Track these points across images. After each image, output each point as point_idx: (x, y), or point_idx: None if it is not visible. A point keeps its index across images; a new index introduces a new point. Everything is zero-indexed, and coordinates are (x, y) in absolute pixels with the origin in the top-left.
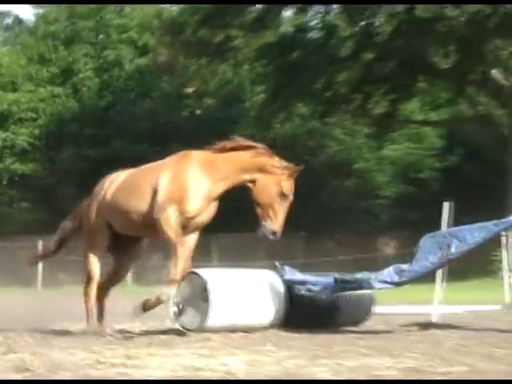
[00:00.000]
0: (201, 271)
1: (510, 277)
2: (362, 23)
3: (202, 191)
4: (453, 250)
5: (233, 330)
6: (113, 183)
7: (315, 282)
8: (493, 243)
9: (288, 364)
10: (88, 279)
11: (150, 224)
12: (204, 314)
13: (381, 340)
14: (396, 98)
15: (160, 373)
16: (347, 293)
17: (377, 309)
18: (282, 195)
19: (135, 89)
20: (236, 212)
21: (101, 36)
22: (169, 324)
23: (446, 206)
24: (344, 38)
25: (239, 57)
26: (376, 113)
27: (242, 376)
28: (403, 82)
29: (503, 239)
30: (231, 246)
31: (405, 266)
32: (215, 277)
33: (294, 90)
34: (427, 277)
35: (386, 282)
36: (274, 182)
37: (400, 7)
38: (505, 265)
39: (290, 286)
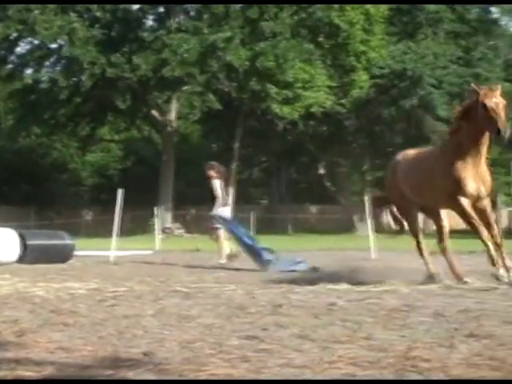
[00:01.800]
0: None
1: (159, 234)
2: (74, 79)
3: None
4: None
5: None
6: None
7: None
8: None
9: (18, 286)
10: None
11: None
12: None
13: (77, 271)
14: (94, 126)
15: None
16: (58, 242)
17: (77, 252)
18: None
19: None
20: None
21: None
22: None
23: (119, 192)
24: (62, 87)
25: None
26: (82, 134)
27: None
28: (99, 116)
29: (155, 210)
30: None
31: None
32: None
33: (31, 119)
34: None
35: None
36: None
37: (97, 69)
38: (157, 227)
39: (23, 238)
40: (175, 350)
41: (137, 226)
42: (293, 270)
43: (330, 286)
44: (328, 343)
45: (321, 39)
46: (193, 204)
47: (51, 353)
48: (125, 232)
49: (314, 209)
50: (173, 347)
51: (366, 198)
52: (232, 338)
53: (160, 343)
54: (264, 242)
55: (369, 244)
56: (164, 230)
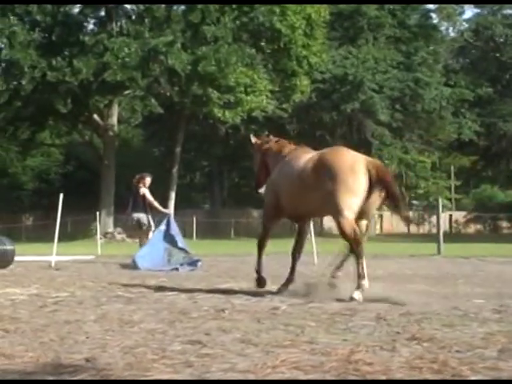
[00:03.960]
0: None
1: (100, 239)
2: (14, 83)
3: None
4: None
5: None
6: None
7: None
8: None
9: None
10: None
11: None
12: None
13: (18, 277)
14: (34, 130)
15: None
16: None
17: (17, 257)
18: None
19: None
20: None
21: None
22: None
23: (61, 196)
24: (2, 91)
25: None
26: (22, 138)
27: None
28: (39, 120)
29: (97, 215)
30: None
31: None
32: None
33: None
34: None
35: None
36: None
37: (38, 73)
38: (99, 232)
39: None
40: (117, 355)
41: (78, 230)
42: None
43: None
44: (271, 347)
45: (262, 44)
46: None
47: None
48: (66, 237)
49: (256, 213)
50: (115, 353)
51: None
52: (175, 343)
53: (102, 349)
54: (207, 246)
55: (312, 248)
56: (105, 235)
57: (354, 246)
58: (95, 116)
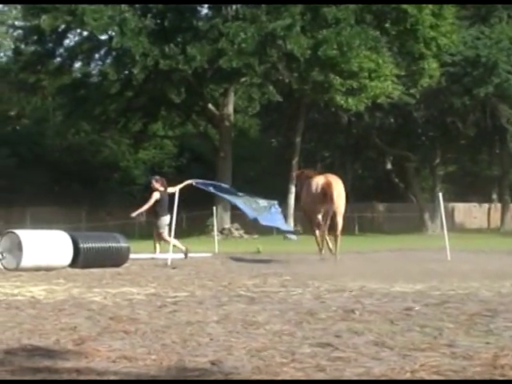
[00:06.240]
0: (17, 231)
1: (217, 235)
2: (125, 72)
3: None
4: None
5: (37, 269)
6: None
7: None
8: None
9: (72, 291)
10: None
11: None
12: (18, 259)
13: (133, 276)
14: (147, 121)
15: None
16: (112, 244)
17: (132, 255)
18: None
19: None
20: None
21: None
22: None
23: (176, 191)
24: (113, 81)
25: (45, 92)
26: (134, 130)
27: (41, 299)
28: (151, 111)
29: (214, 210)
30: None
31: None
32: (26, 234)
33: (81, 115)
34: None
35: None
36: None
37: (150, 61)
38: (215, 228)
39: (75, 241)
40: (244, 358)
41: (193, 227)
42: None
43: (403, 288)
44: (407, 351)
45: (387, 25)
46: None
47: (113, 362)
48: (181, 233)
49: (381, 207)
50: (241, 355)
51: (438, 195)
52: (304, 345)
53: (227, 351)
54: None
55: (441, 244)
56: (222, 231)
57: None
58: (210, 105)
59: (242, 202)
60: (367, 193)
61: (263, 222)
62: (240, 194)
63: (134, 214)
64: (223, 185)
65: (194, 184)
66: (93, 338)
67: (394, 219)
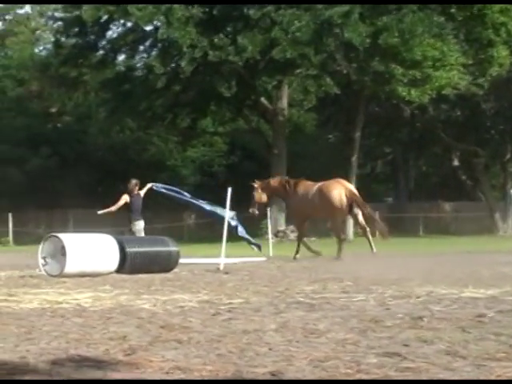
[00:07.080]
0: (60, 235)
1: (272, 238)
2: (172, 65)
3: None
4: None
5: (82, 275)
6: None
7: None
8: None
9: (120, 298)
10: None
11: None
12: (62, 264)
13: (184, 281)
14: (195, 117)
15: (32, 305)
16: (161, 249)
17: (182, 260)
18: None
19: (15, 109)
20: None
21: None
22: (37, 272)
23: (229, 190)
24: (159, 74)
25: (87, 87)
26: (182, 126)
27: (87, 306)
28: (200, 106)
29: (268, 212)
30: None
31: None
32: (69, 238)
33: (125, 111)
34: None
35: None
36: None
37: (198, 53)
38: (269, 231)
39: (122, 245)
40: (306, 369)
41: (247, 229)
42: None
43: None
44: (482, 360)
45: (453, 10)
46: None
47: (167, 373)
48: (233, 236)
49: (448, 206)
50: (303, 366)
51: (510, 193)
52: (369, 355)
53: (288, 362)
54: (392, 245)
55: None
56: (277, 234)
57: None
58: (263, 99)
59: (210, 206)
60: (432, 191)
61: (240, 233)
62: (202, 201)
63: (100, 212)
64: (186, 193)
65: (154, 188)
66: (144, 347)
67: (461, 219)
